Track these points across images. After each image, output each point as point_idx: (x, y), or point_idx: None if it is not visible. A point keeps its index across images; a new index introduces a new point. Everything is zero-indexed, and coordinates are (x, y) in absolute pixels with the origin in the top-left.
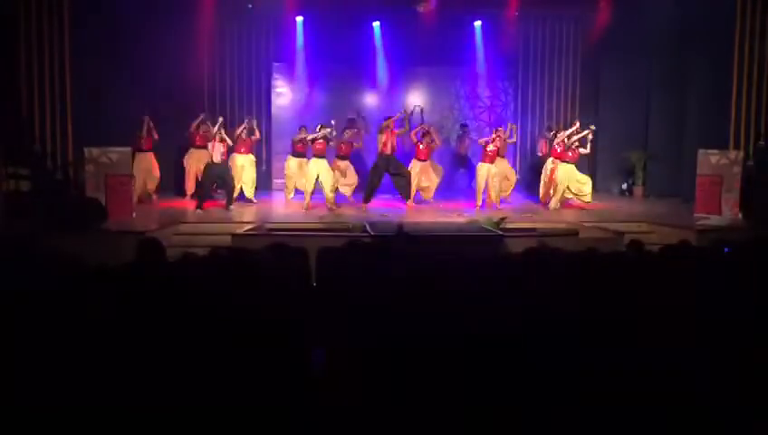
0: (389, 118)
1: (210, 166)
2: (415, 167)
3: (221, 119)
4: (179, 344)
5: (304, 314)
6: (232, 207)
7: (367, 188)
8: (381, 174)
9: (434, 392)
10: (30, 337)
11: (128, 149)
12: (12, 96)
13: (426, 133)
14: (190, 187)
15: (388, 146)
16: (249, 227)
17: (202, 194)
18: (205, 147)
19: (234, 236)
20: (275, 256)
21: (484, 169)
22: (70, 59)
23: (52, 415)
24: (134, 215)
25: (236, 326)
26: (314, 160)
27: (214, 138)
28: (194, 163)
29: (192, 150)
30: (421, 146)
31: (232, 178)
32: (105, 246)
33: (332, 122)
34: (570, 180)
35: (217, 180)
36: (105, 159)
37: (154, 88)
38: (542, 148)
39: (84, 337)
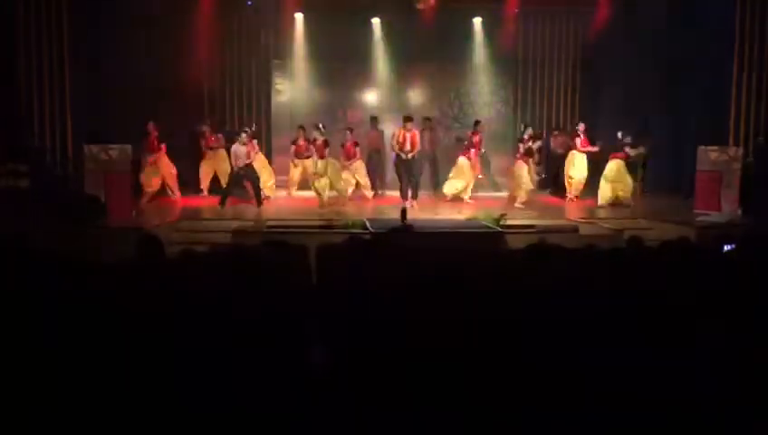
0: (410, 119)
1: (234, 173)
2: (460, 163)
3: (249, 129)
4: (178, 342)
5: (304, 312)
6: (262, 206)
7: (401, 187)
8: (404, 169)
9: (434, 392)
10: (29, 336)
11: (127, 146)
12: (11, 93)
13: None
14: (205, 185)
15: (407, 144)
16: (249, 224)
17: (226, 193)
18: (217, 147)
19: (233, 233)
20: (275, 254)
21: (523, 169)
22: (69, 55)
23: (51, 414)
24: (134, 212)
25: (236, 324)
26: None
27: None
28: (208, 164)
29: (206, 152)
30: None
31: (257, 178)
32: (104, 243)
33: (320, 126)
34: (624, 176)
35: (244, 182)
36: (104, 156)
37: (154, 85)
38: (560, 145)
39: (82, 335)
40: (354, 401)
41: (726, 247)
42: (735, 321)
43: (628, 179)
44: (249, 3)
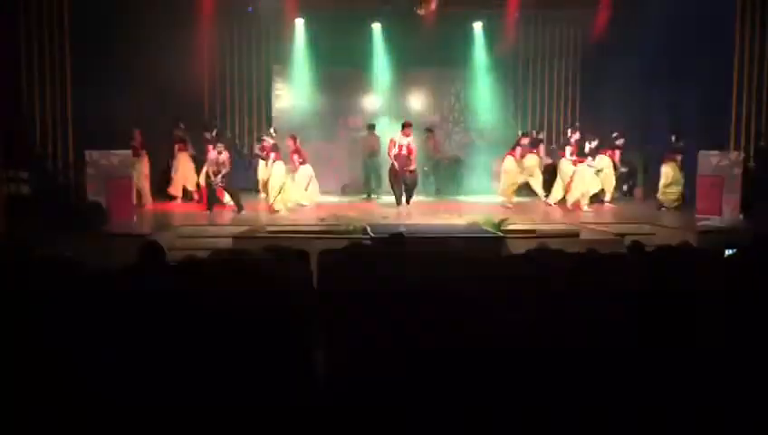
0: (409, 125)
1: (212, 180)
2: (506, 165)
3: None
4: (180, 347)
5: (306, 317)
6: (243, 211)
7: (396, 193)
8: (399, 175)
9: (434, 394)
10: (30, 340)
11: (128, 152)
12: (12, 99)
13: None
14: (178, 189)
15: (403, 149)
16: (249, 229)
17: (211, 197)
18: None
19: (235, 238)
20: (276, 259)
21: (587, 173)
22: (70, 62)
23: (54, 416)
24: (135, 218)
25: (238, 329)
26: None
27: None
28: (182, 167)
29: (180, 154)
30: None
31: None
32: (106, 249)
33: (272, 130)
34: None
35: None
36: (106, 161)
37: (155, 91)
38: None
39: (85, 340)
40: (355, 403)
41: (728, 252)
42: (736, 324)
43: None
44: (250, 9)
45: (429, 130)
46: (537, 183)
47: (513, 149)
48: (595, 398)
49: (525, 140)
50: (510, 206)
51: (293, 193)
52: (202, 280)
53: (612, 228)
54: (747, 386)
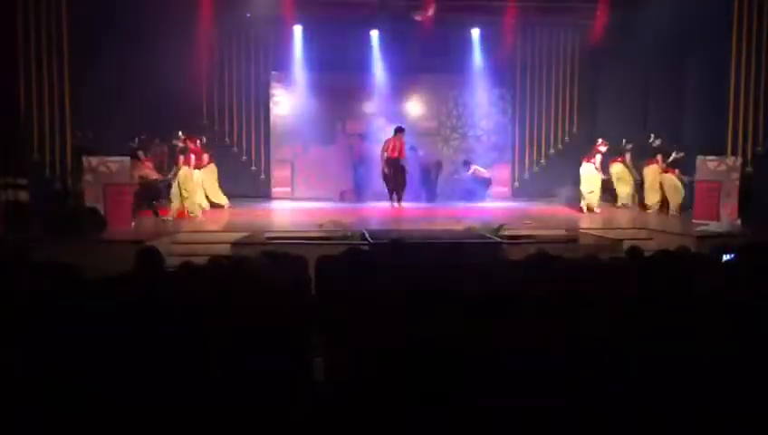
0: (401, 130)
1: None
2: (583, 171)
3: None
4: (179, 352)
5: (305, 322)
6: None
7: (389, 190)
8: (390, 176)
9: (434, 398)
10: (29, 344)
11: (126, 159)
12: (10, 105)
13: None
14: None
15: (396, 151)
16: (248, 235)
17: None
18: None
19: (233, 244)
20: (274, 265)
21: (674, 180)
22: (69, 68)
23: (52, 420)
24: (133, 224)
25: (236, 334)
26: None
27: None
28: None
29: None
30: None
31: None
32: (104, 255)
33: (180, 133)
34: None
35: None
36: (104, 168)
37: (153, 98)
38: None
39: (83, 345)
40: (353, 406)
41: (726, 257)
42: (734, 328)
43: None
44: (248, 15)
45: (413, 148)
46: (624, 190)
47: (592, 156)
48: (595, 402)
49: (604, 148)
50: (595, 210)
51: (205, 196)
52: (200, 286)
53: (610, 234)
54: (746, 389)
